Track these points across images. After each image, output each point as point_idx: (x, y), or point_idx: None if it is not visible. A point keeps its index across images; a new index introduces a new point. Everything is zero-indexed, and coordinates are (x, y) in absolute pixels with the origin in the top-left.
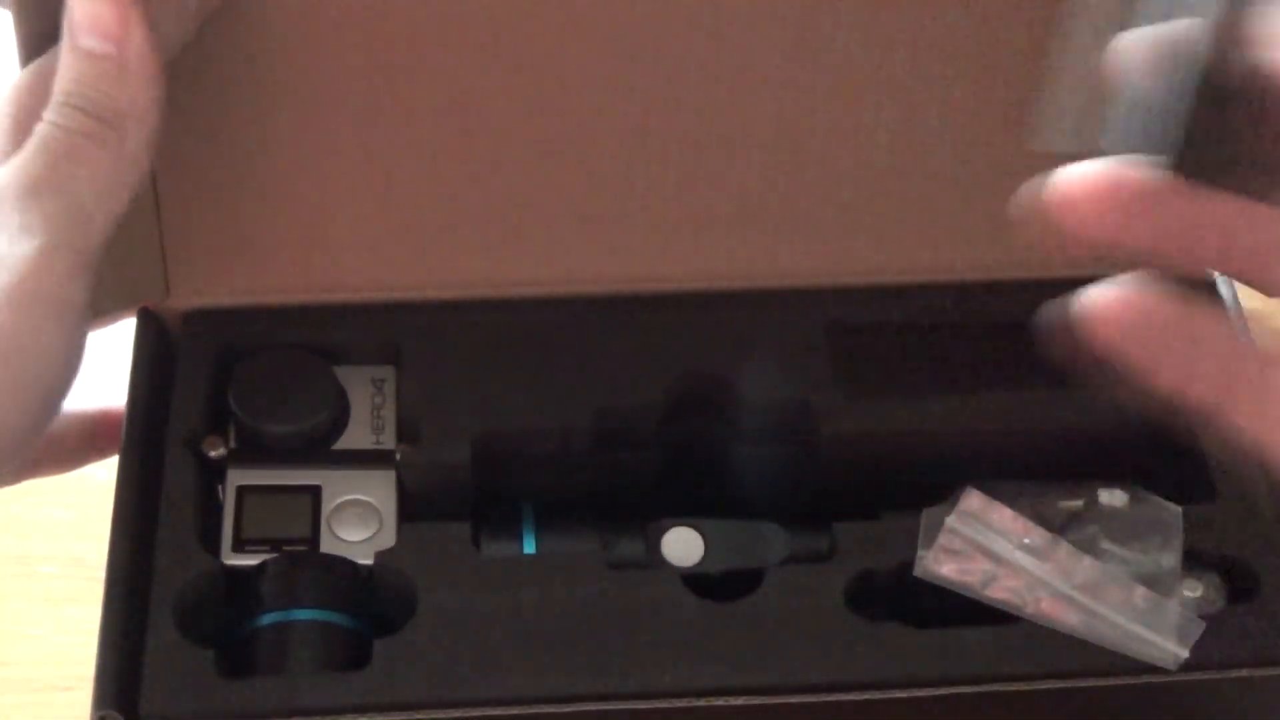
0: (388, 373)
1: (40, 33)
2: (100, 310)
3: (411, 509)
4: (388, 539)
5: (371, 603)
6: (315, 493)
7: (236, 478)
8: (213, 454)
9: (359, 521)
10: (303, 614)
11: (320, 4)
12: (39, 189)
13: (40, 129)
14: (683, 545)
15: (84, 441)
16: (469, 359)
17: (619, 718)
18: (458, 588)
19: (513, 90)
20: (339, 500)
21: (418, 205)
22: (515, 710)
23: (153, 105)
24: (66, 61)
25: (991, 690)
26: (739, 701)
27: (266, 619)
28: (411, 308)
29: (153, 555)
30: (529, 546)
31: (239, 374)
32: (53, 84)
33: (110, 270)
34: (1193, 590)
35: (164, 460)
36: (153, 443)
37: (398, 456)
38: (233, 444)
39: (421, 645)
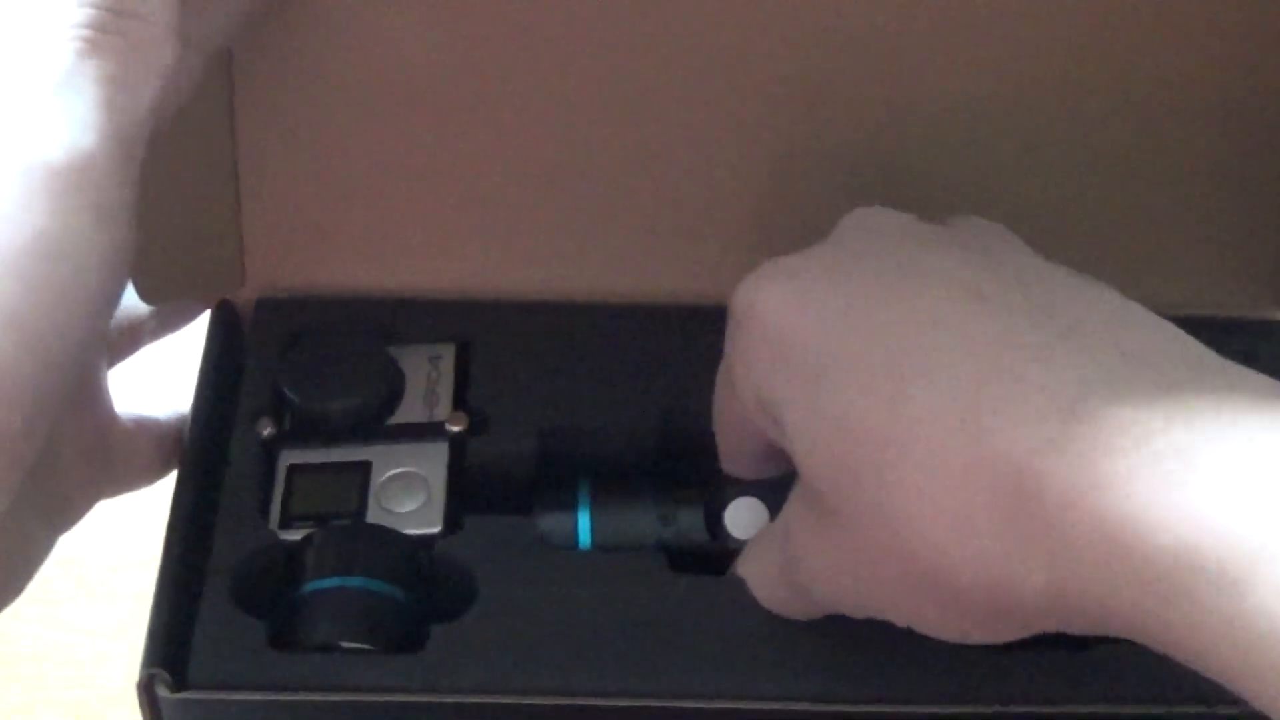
0: (446, 350)
1: None
2: (177, 299)
3: (474, 499)
4: (436, 512)
5: (430, 588)
6: (365, 468)
7: (288, 458)
8: (263, 434)
9: (407, 493)
10: (347, 581)
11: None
12: (68, 83)
13: (62, 25)
14: (747, 516)
15: (160, 453)
16: (539, 355)
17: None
18: (518, 580)
19: (594, 103)
20: (388, 474)
21: (492, 207)
22: (566, 701)
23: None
24: None
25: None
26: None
27: (309, 587)
28: (483, 304)
29: (212, 530)
30: (584, 518)
31: (291, 355)
32: None
33: (188, 259)
34: None
35: (229, 441)
36: (219, 424)
37: (450, 428)
38: (286, 426)
39: (478, 634)
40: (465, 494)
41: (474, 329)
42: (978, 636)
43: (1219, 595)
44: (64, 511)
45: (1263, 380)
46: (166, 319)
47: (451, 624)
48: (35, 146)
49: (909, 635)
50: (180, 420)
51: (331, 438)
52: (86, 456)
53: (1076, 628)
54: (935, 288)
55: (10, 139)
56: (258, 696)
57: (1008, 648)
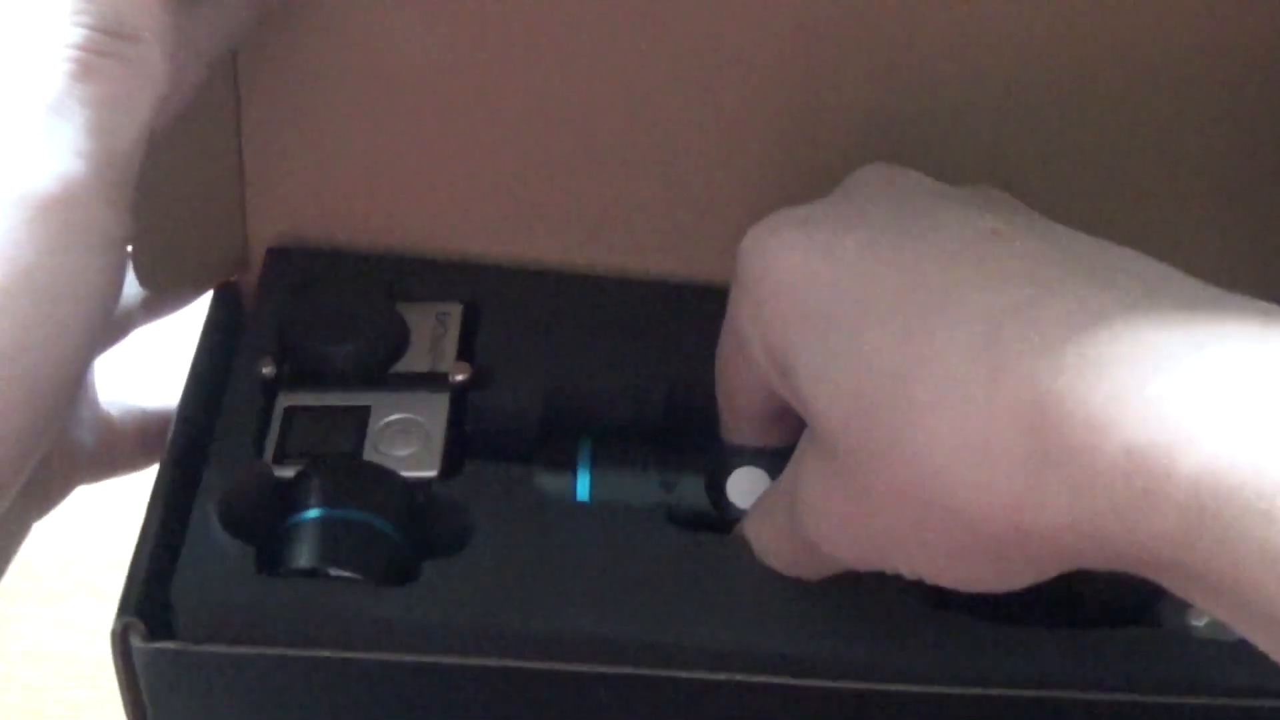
0: (453, 308)
1: None
2: (179, 283)
3: (475, 453)
4: (434, 457)
5: (425, 527)
6: (363, 412)
7: (286, 400)
8: (264, 371)
9: (405, 438)
10: (341, 512)
11: None
12: (59, 108)
13: (54, 46)
14: (750, 485)
15: (144, 442)
16: (547, 321)
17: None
18: (514, 524)
19: (606, 79)
20: (387, 419)
21: (503, 182)
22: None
23: (164, 7)
24: None
25: (1064, 697)
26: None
27: (299, 516)
28: (492, 269)
29: (203, 468)
30: (584, 480)
31: (296, 301)
32: None
33: (190, 240)
34: (1197, 619)
35: (226, 387)
36: (218, 372)
37: (454, 378)
38: (286, 370)
39: (470, 572)
40: (466, 445)
41: (483, 293)
42: (991, 581)
43: (1255, 518)
44: (42, 498)
45: None
46: (157, 303)
47: (445, 560)
48: (23, 177)
49: (911, 600)
50: (168, 412)
51: (331, 383)
52: (67, 445)
53: (1097, 562)
54: (950, 226)
55: None
56: (236, 650)
57: (1014, 622)
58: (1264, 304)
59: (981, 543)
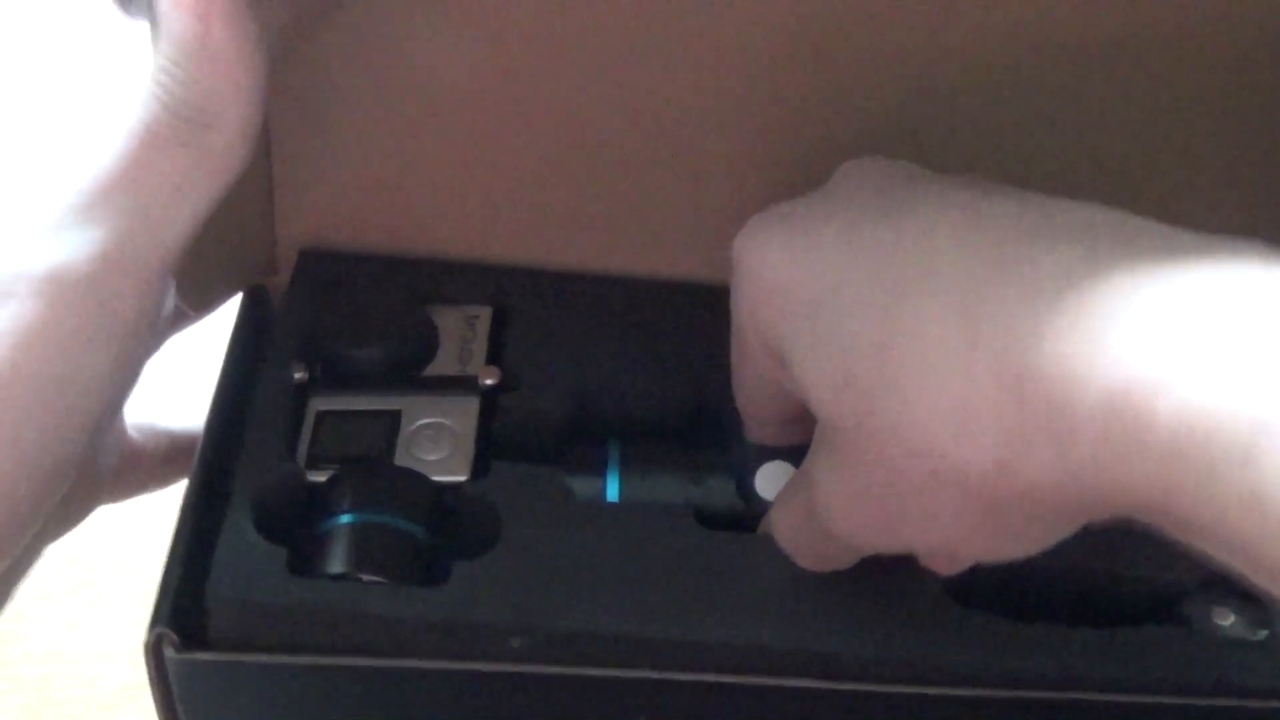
0: (483, 311)
1: None
2: (210, 294)
3: (503, 455)
4: (464, 461)
5: (454, 528)
6: (394, 416)
7: (317, 404)
8: (296, 375)
9: (435, 442)
10: (373, 517)
11: None
12: (111, 189)
13: (123, 119)
14: (778, 479)
15: (167, 464)
16: (574, 322)
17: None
18: (543, 524)
19: (630, 83)
20: (418, 423)
21: (532, 180)
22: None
23: (246, 99)
24: (157, 47)
25: (1088, 699)
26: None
27: (331, 521)
28: (521, 271)
29: (234, 474)
30: (613, 480)
31: (326, 305)
32: None
33: (218, 251)
34: (1224, 619)
35: (256, 391)
36: (248, 377)
37: (483, 381)
38: (317, 374)
39: (500, 572)
40: (495, 447)
41: (510, 295)
42: (1004, 547)
43: (1232, 460)
44: (60, 520)
45: (1268, 255)
46: (187, 310)
47: (474, 561)
48: (54, 254)
49: (935, 597)
50: (193, 433)
51: (362, 387)
52: (89, 469)
53: (1091, 513)
54: (929, 205)
55: (34, 251)
56: (268, 659)
57: (1037, 620)
58: (1241, 241)
59: (979, 506)
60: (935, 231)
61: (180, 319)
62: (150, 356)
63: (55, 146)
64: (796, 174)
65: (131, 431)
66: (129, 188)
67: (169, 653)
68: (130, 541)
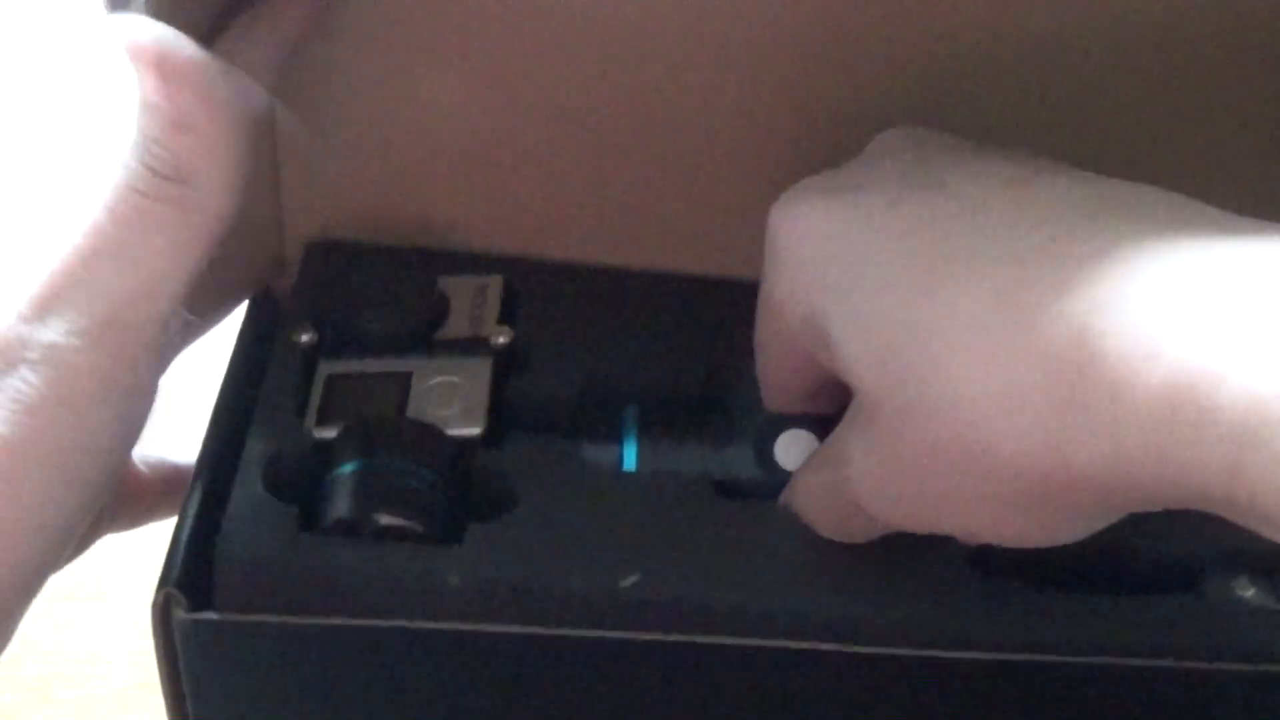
0: (493, 280)
1: None
2: (219, 302)
3: (520, 423)
4: (478, 415)
5: (469, 490)
6: (405, 378)
7: (327, 368)
8: (303, 338)
9: (447, 400)
10: (384, 461)
11: None
12: (101, 249)
13: (109, 185)
14: (797, 447)
15: (172, 496)
16: (584, 308)
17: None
18: (559, 491)
19: (636, 78)
20: (429, 383)
21: (539, 174)
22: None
23: (222, 160)
24: (139, 106)
25: (1109, 663)
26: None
27: (346, 467)
28: (530, 261)
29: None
30: (630, 449)
31: (335, 274)
32: None
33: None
34: (1244, 589)
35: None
36: (253, 382)
37: (496, 340)
38: (328, 339)
39: (515, 536)
40: (507, 422)
41: (520, 285)
42: (1039, 534)
43: None
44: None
45: None
46: (198, 320)
47: (489, 524)
48: (55, 333)
49: (954, 565)
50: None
51: (372, 351)
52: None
53: (1140, 503)
54: (972, 178)
55: (32, 323)
56: (279, 620)
57: (1058, 588)
58: None
59: (1021, 492)
60: (982, 208)
61: (189, 330)
62: (153, 402)
63: (55, 144)
64: (802, 171)
65: (137, 464)
66: (119, 249)
67: (177, 614)
68: (131, 541)
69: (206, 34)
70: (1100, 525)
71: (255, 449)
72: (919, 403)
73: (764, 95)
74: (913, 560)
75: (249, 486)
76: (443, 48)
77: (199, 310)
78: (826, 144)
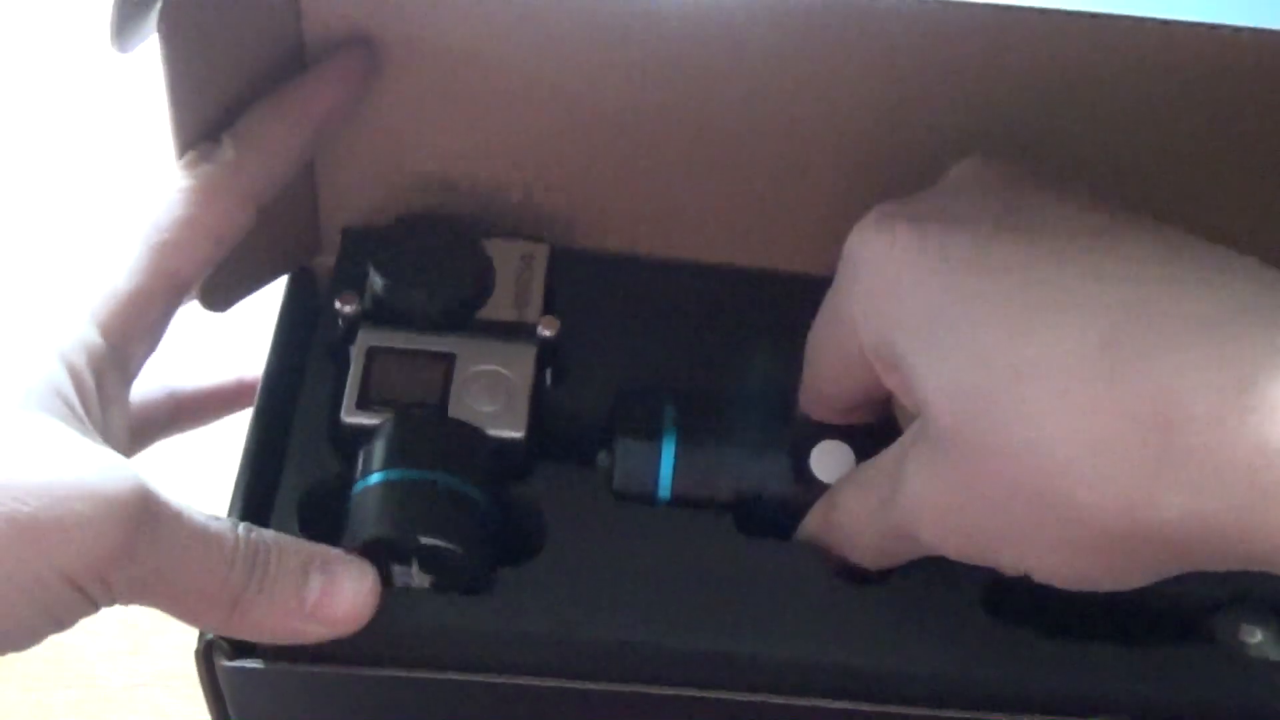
0: (538, 249)
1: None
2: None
3: (551, 447)
4: (520, 416)
5: (505, 517)
6: (450, 360)
7: (368, 339)
8: (347, 309)
9: (491, 393)
10: (434, 476)
11: None
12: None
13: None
14: (833, 459)
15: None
16: (623, 301)
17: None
18: (590, 530)
19: (672, 75)
20: (473, 369)
21: (573, 163)
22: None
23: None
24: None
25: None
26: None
27: (382, 476)
28: (567, 250)
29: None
30: (669, 444)
31: (380, 238)
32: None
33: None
34: (1250, 636)
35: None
36: (296, 367)
37: (542, 332)
38: (370, 304)
39: (546, 580)
40: (548, 409)
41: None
42: (1102, 580)
43: None
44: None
45: None
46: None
47: (520, 568)
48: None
49: (970, 612)
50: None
51: (415, 324)
52: None
53: (1212, 561)
54: (1059, 222)
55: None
56: (314, 669)
57: (1068, 634)
58: None
59: (1096, 540)
60: (1071, 256)
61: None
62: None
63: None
64: (860, 177)
65: (143, 395)
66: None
67: (219, 661)
68: None
69: (225, 115)
70: (1165, 576)
71: (290, 483)
72: (1003, 444)
73: (808, 95)
74: (925, 605)
75: (285, 526)
76: (479, 42)
77: (231, 288)
78: (865, 141)
